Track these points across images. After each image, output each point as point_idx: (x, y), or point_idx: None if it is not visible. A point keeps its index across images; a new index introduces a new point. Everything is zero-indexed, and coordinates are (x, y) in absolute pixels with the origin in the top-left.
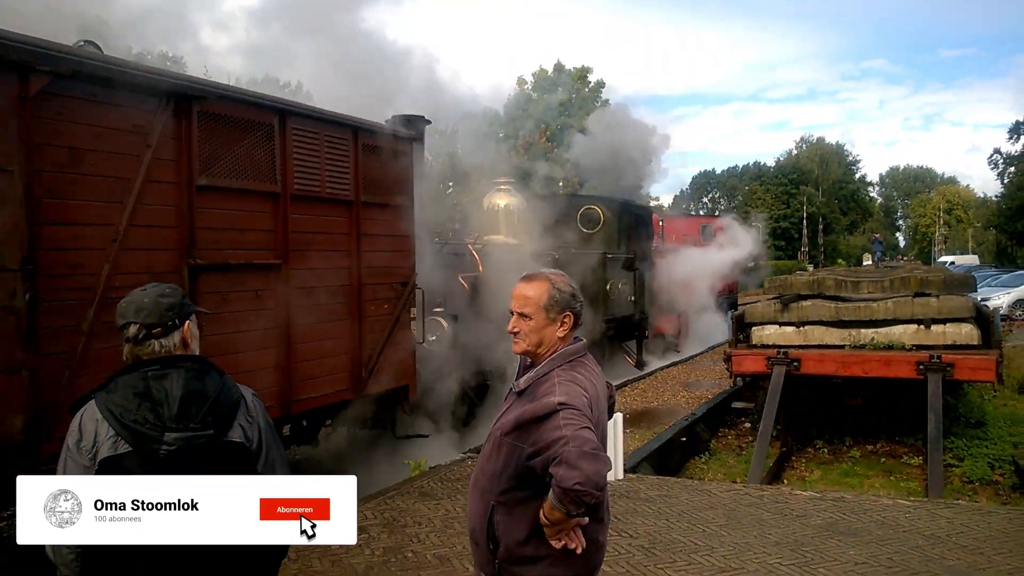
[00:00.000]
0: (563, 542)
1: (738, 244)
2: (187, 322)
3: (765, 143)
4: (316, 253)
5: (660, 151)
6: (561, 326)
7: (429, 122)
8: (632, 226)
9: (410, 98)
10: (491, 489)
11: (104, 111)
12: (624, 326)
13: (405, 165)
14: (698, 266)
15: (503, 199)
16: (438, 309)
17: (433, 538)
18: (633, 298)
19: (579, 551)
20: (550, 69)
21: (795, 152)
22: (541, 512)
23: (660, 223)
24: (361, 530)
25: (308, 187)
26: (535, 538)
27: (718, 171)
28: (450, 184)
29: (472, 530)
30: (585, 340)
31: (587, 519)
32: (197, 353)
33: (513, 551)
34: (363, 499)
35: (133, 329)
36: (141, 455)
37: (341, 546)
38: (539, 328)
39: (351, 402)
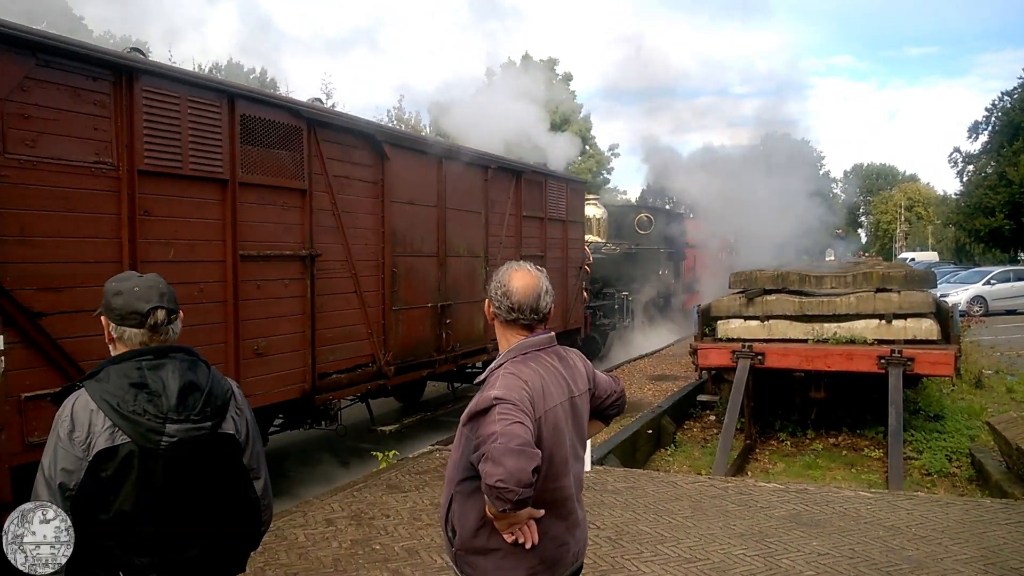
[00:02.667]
0: (514, 536)
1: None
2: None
3: (732, 138)
4: (553, 249)
5: None
6: (510, 323)
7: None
8: (672, 227)
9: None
10: (452, 478)
11: (504, 184)
12: (667, 301)
13: (581, 198)
14: (711, 259)
15: (591, 209)
16: None
17: (401, 530)
18: (674, 280)
19: (528, 546)
20: (518, 61)
21: (761, 148)
22: (486, 506)
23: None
24: (329, 523)
25: (550, 213)
26: (485, 529)
27: None
28: None
29: (440, 518)
30: (553, 333)
31: (541, 512)
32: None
33: (466, 541)
34: (331, 491)
35: (161, 314)
36: (140, 447)
37: (308, 539)
38: (491, 320)
39: (563, 332)
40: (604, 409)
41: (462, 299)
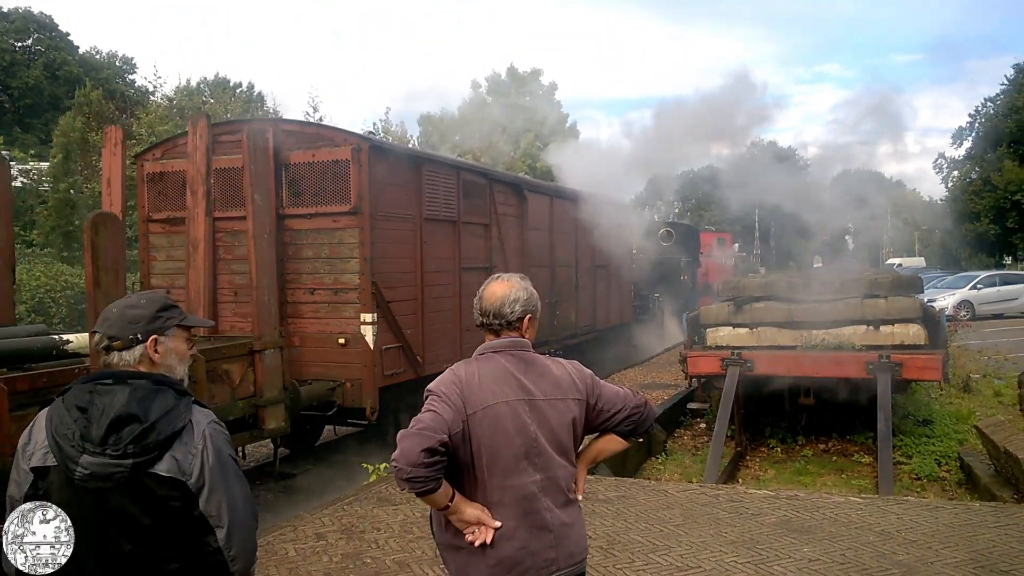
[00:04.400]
0: (472, 535)
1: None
2: (155, 337)
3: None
4: (615, 260)
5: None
6: (481, 327)
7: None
8: (689, 239)
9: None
10: None
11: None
12: (686, 303)
13: (632, 220)
14: (719, 267)
15: None
16: None
17: (392, 544)
18: (691, 285)
19: (477, 544)
20: (503, 73)
21: (748, 156)
22: None
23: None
24: (319, 537)
25: (619, 230)
26: (451, 526)
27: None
28: None
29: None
30: (522, 339)
31: (497, 525)
32: (178, 373)
33: (438, 537)
34: (321, 506)
35: (96, 338)
36: (63, 472)
37: (299, 553)
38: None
39: (618, 325)
40: (615, 425)
41: (563, 297)
